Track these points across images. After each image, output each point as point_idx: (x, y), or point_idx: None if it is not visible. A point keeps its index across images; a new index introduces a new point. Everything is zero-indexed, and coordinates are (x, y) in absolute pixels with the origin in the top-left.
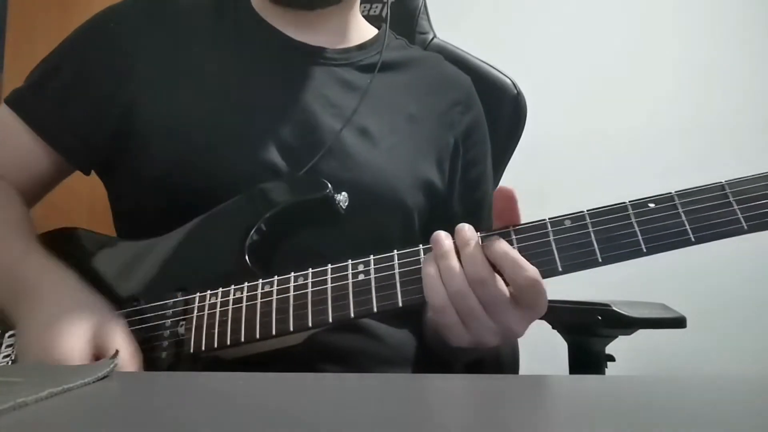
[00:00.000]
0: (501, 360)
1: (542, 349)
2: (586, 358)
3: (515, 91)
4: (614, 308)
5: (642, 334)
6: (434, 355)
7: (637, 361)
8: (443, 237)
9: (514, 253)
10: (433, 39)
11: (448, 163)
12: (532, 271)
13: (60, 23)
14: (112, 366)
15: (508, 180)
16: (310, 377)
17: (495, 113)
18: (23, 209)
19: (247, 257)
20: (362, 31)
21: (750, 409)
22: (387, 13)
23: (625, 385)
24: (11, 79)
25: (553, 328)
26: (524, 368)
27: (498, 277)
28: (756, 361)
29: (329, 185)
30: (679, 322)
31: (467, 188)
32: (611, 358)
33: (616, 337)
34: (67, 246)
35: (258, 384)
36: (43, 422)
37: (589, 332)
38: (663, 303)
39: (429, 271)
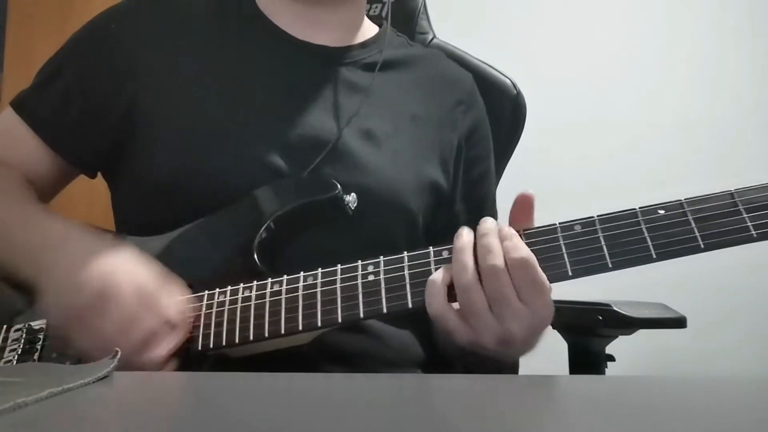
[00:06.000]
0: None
1: (542, 349)
2: (586, 358)
3: (515, 91)
4: (614, 308)
5: (642, 334)
6: (439, 353)
7: (637, 361)
8: (465, 232)
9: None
10: (432, 39)
11: (452, 163)
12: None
13: (60, 23)
14: (112, 366)
15: (508, 184)
16: (318, 377)
17: (494, 113)
18: (23, 188)
19: (255, 256)
20: (365, 28)
21: (750, 409)
22: (388, 11)
23: (625, 385)
24: (11, 79)
25: (554, 328)
26: (524, 368)
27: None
28: (756, 361)
29: (338, 186)
30: (679, 322)
31: (469, 186)
32: (611, 358)
33: (616, 337)
34: None
35: (260, 384)
36: (43, 422)
37: (589, 332)
38: (663, 303)
39: (434, 277)
